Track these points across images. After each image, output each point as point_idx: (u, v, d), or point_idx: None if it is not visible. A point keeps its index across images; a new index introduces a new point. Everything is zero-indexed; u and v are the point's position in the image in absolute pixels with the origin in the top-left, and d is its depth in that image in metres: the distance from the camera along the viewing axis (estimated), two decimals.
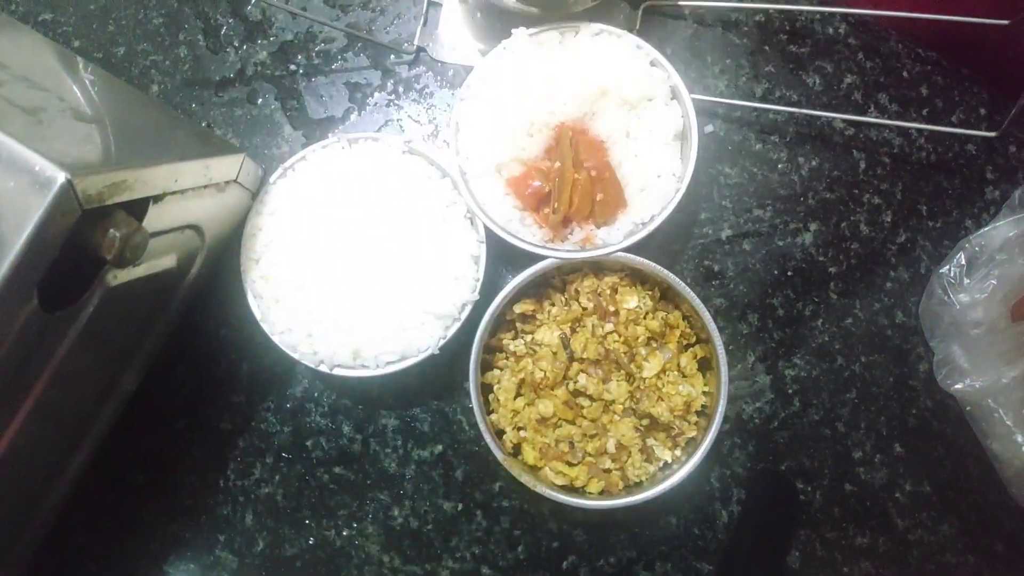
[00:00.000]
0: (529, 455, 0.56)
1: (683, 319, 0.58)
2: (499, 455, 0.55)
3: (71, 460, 0.54)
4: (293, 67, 0.66)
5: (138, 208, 0.46)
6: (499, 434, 0.57)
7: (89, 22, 0.67)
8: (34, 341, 0.43)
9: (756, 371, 0.62)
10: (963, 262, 0.54)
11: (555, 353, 0.56)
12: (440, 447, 0.62)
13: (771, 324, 0.62)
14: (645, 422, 0.56)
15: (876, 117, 0.64)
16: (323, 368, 0.56)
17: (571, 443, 0.56)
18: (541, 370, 0.56)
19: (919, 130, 0.64)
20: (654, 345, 0.57)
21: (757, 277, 0.63)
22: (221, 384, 0.63)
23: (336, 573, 0.61)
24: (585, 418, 0.57)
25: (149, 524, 0.62)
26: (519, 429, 0.57)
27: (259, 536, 0.62)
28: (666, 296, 0.59)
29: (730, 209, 0.63)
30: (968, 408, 0.53)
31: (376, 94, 0.66)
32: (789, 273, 0.63)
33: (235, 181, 0.54)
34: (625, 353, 0.57)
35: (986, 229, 0.54)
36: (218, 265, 0.59)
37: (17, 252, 0.39)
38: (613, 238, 0.57)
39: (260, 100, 0.66)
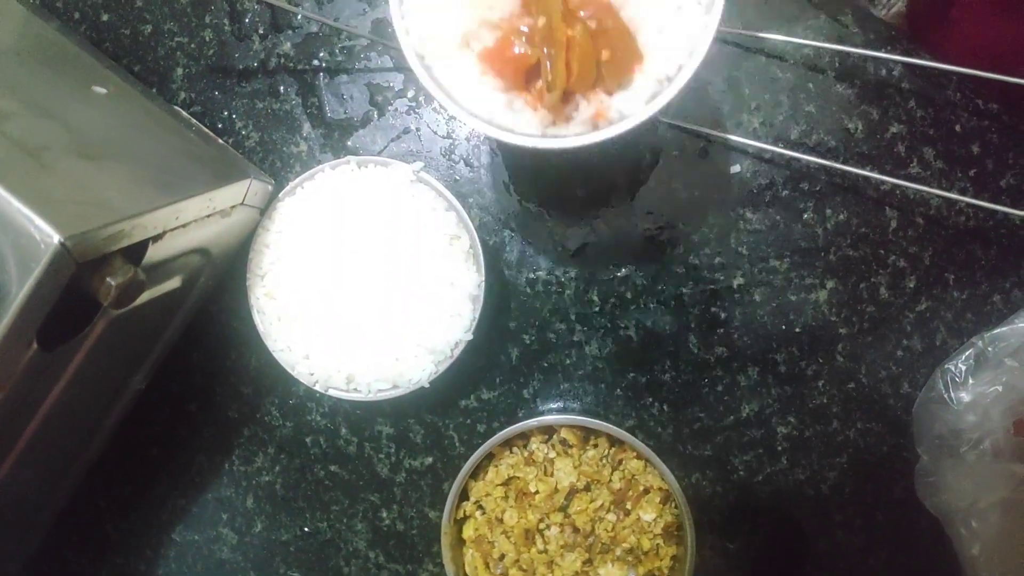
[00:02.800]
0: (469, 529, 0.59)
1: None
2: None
3: (86, 449, 0.58)
4: (316, 62, 0.65)
5: (137, 248, 0.47)
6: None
7: None
8: (36, 375, 0.45)
9: (748, 424, 0.62)
10: (971, 360, 0.51)
11: (557, 490, 0.57)
12: (430, 459, 0.64)
13: (770, 379, 0.61)
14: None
15: (918, 171, 0.60)
16: (318, 388, 0.58)
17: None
18: (536, 488, 0.57)
19: (962, 192, 0.59)
20: (629, 558, 0.57)
21: (764, 330, 0.61)
22: (230, 375, 0.66)
23: (325, 561, 0.66)
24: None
25: (161, 495, 0.67)
26: (479, 507, 0.60)
27: (258, 519, 0.66)
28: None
29: (746, 257, 0.61)
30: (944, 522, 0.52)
31: (397, 100, 0.64)
32: (797, 330, 0.61)
33: (242, 204, 0.55)
34: (602, 544, 0.57)
35: (1002, 329, 0.51)
36: (228, 271, 0.61)
37: (16, 306, 0.41)
38: (633, 106, 0.43)
39: (281, 94, 0.65)
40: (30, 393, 0.46)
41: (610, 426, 0.56)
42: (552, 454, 0.59)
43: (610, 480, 0.58)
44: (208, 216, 0.52)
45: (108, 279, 0.44)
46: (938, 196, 0.59)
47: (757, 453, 0.62)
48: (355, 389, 0.57)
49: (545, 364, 0.63)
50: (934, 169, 0.60)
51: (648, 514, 0.57)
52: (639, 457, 0.58)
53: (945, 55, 0.59)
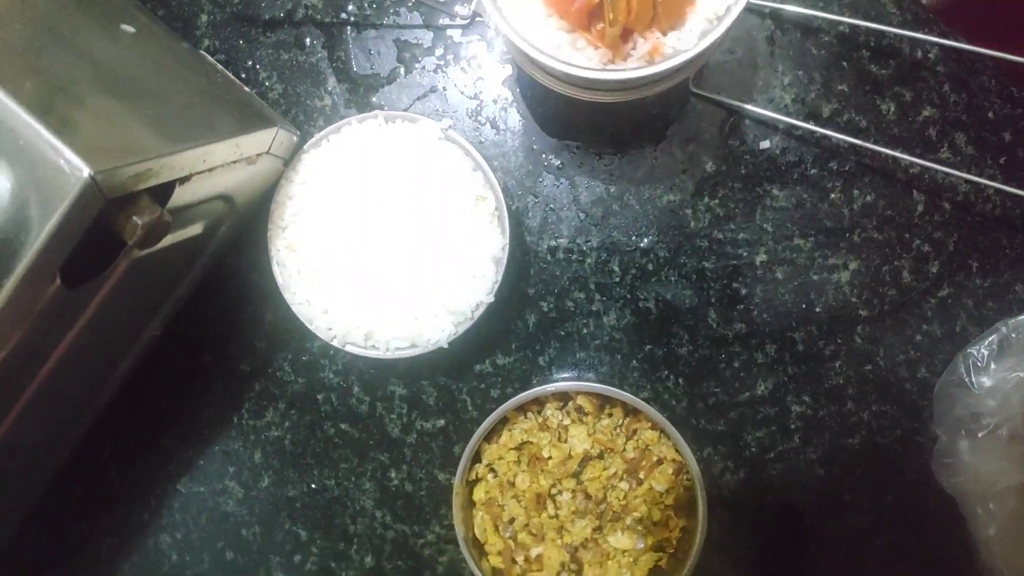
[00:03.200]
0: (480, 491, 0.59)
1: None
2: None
3: (98, 394, 0.58)
4: (344, 15, 0.64)
5: (163, 189, 0.46)
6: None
7: None
8: (57, 313, 0.45)
9: (763, 402, 0.62)
10: (995, 345, 0.51)
11: (571, 457, 0.58)
12: (442, 422, 0.64)
13: (788, 357, 0.61)
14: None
15: (948, 156, 0.60)
16: (335, 343, 0.57)
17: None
18: (549, 453, 0.57)
19: (991, 178, 0.59)
20: (639, 528, 0.57)
21: (784, 308, 0.61)
22: (245, 327, 0.65)
23: (331, 519, 0.66)
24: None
25: (168, 447, 0.67)
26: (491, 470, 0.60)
27: (265, 474, 0.66)
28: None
29: (770, 234, 0.61)
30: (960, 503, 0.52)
31: (424, 58, 0.63)
32: (817, 309, 0.61)
33: (267, 152, 0.54)
34: (613, 512, 0.57)
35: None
36: (249, 222, 0.60)
37: (40, 241, 0.40)
38: (685, 43, 0.48)
39: (307, 46, 0.64)
40: (48, 332, 0.46)
41: (627, 394, 0.56)
42: (567, 421, 0.59)
43: (624, 449, 0.58)
44: (234, 162, 0.51)
45: (135, 217, 0.43)
46: (967, 180, 0.59)
47: (770, 431, 0.62)
48: (373, 346, 0.57)
49: (562, 332, 0.63)
50: (964, 155, 0.60)
51: (660, 484, 0.57)
52: (654, 428, 0.58)
53: (981, 39, 0.58)
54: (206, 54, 0.61)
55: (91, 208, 0.41)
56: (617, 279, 0.62)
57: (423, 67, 0.63)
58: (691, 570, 0.55)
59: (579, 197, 0.62)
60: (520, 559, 0.59)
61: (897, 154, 0.57)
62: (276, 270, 0.57)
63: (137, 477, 0.67)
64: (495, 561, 0.59)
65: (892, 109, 0.60)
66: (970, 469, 0.49)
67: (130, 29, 0.52)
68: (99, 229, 0.43)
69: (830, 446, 0.61)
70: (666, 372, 0.62)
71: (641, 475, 0.58)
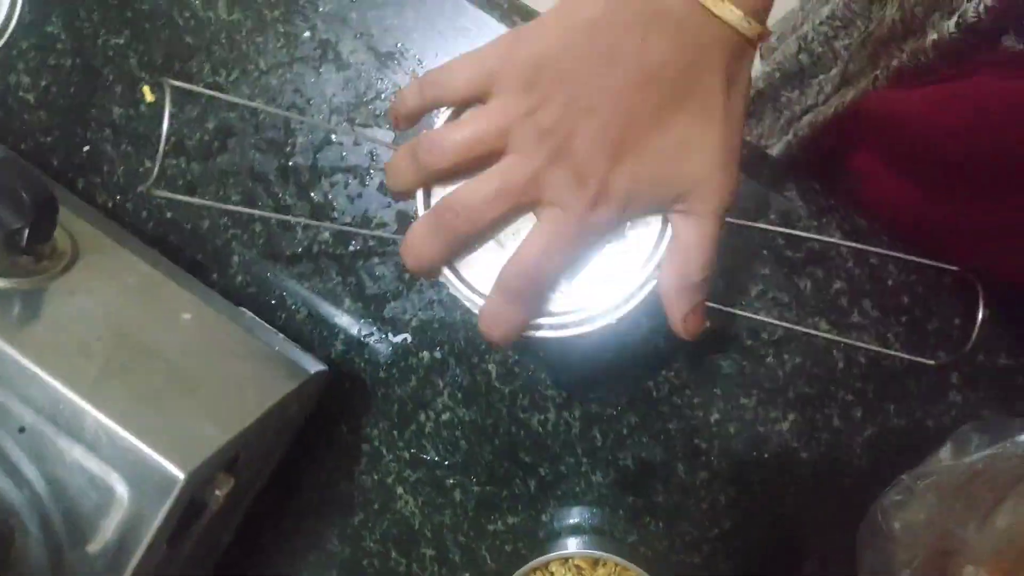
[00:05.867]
0: None
1: None
2: None
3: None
4: (352, 247, 0.78)
5: (234, 458, 0.60)
6: None
7: (178, 193, 0.79)
8: (160, 568, 0.58)
9: (730, 535, 0.74)
10: (900, 495, 0.63)
11: None
12: (467, 574, 0.77)
13: (746, 497, 0.74)
14: None
15: (858, 320, 0.72)
16: None
17: None
18: None
19: (896, 335, 0.72)
20: None
21: (738, 457, 0.74)
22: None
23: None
24: None
25: None
26: None
27: None
28: None
29: (720, 396, 0.74)
30: None
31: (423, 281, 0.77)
32: (766, 455, 0.73)
33: (307, 397, 0.68)
34: None
35: (924, 468, 0.64)
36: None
37: (154, 529, 0.54)
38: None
39: (324, 275, 0.78)
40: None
41: (615, 557, 0.68)
42: (569, 575, 0.71)
43: None
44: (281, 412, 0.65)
45: (216, 492, 0.57)
46: (866, 348, 0.71)
47: (737, 562, 0.74)
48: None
49: (559, 492, 0.76)
50: (871, 317, 0.72)
51: None
52: None
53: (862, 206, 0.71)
54: (246, 310, 0.74)
55: (184, 498, 0.54)
56: (599, 444, 0.75)
57: (421, 283, 0.77)
58: None
59: (559, 378, 0.75)
60: None
61: (810, 331, 0.70)
62: None
63: None
64: None
65: (808, 285, 0.73)
66: None
67: (188, 316, 0.65)
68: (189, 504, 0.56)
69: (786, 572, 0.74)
70: (648, 518, 0.75)
71: None
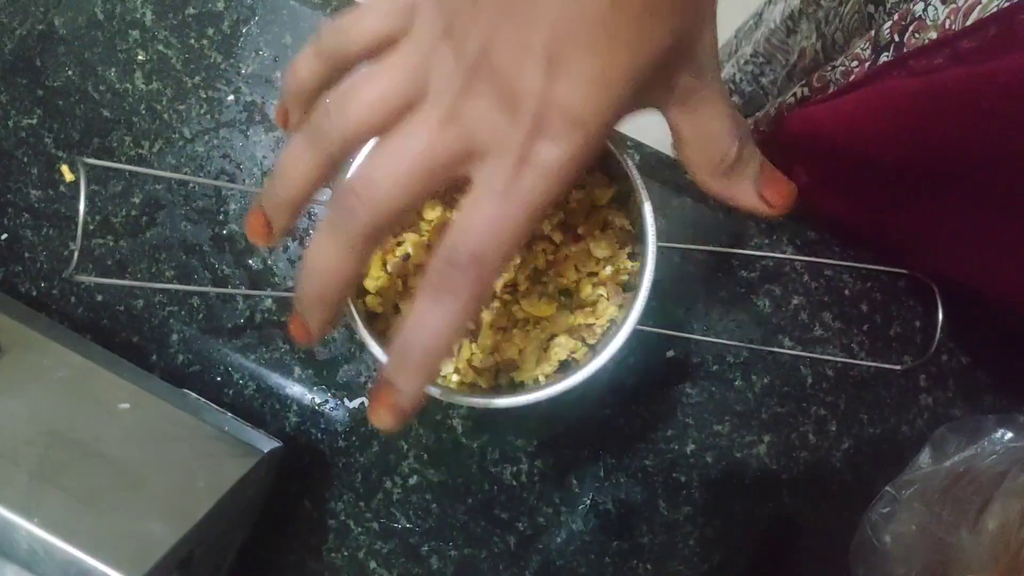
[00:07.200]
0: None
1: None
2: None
3: None
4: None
5: (188, 555, 0.55)
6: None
7: (106, 274, 0.75)
8: None
9: (720, 569, 0.72)
10: (887, 507, 0.62)
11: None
12: None
13: (732, 528, 0.72)
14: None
15: (821, 333, 0.71)
16: None
17: None
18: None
19: (859, 344, 0.71)
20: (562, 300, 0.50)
21: (719, 486, 0.72)
22: None
23: None
24: None
25: None
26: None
27: None
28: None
29: (693, 426, 0.72)
30: None
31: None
32: (746, 481, 0.71)
33: (260, 476, 0.63)
34: (536, 270, 0.50)
35: (905, 475, 0.62)
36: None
37: None
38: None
39: (270, 345, 0.74)
40: None
41: None
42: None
43: (567, 201, 0.50)
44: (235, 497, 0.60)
45: None
46: (829, 360, 0.71)
47: None
48: None
49: (540, 546, 0.72)
50: (834, 329, 0.72)
51: (601, 251, 0.49)
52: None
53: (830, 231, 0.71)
54: (190, 392, 0.70)
55: None
56: (576, 490, 0.72)
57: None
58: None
59: (527, 427, 0.72)
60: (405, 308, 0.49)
61: (775, 349, 0.69)
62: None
63: None
64: (372, 303, 0.50)
65: (767, 303, 0.72)
66: None
67: (126, 406, 0.61)
68: None
69: None
70: (635, 561, 0.72)
71: (580, 230, 0.49)
